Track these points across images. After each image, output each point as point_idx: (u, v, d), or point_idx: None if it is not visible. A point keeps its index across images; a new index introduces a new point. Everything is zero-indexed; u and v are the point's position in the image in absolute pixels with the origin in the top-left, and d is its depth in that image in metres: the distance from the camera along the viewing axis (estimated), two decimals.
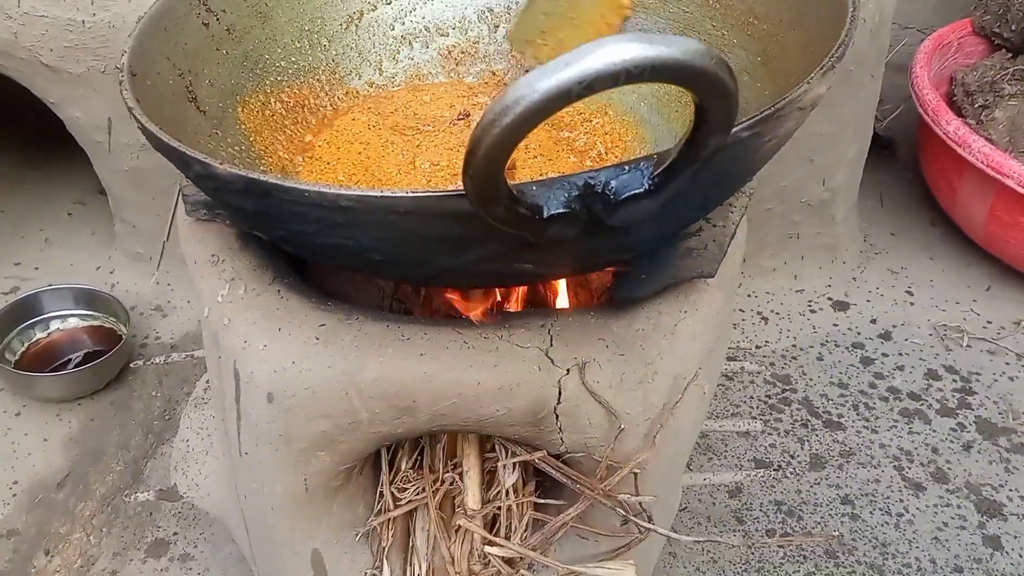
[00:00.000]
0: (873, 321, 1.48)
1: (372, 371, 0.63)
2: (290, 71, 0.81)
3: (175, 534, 1.13)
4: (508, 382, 0.63)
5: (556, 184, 0.47)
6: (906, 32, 2.01)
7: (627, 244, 0.56)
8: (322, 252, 0.58)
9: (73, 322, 1.38)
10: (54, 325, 1.37)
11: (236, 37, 0.77)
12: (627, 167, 0.47)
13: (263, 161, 0.73)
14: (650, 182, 0.47)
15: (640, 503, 0.68)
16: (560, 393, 0.63)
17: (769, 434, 1.27)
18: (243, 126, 0.74)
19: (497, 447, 0.73)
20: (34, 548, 1.11)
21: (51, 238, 1.57)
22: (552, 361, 0.63)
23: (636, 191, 0.47)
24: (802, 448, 1.26)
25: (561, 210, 0.47)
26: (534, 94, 0.38)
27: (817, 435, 1.28)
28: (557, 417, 0.64)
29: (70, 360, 1.32)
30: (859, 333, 1.45)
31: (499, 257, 0.53)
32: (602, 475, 0.65)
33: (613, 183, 0.47)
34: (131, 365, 1.24)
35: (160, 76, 0.66)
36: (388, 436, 0.67)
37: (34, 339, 1.35)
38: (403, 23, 0.88)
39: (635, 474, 0.66)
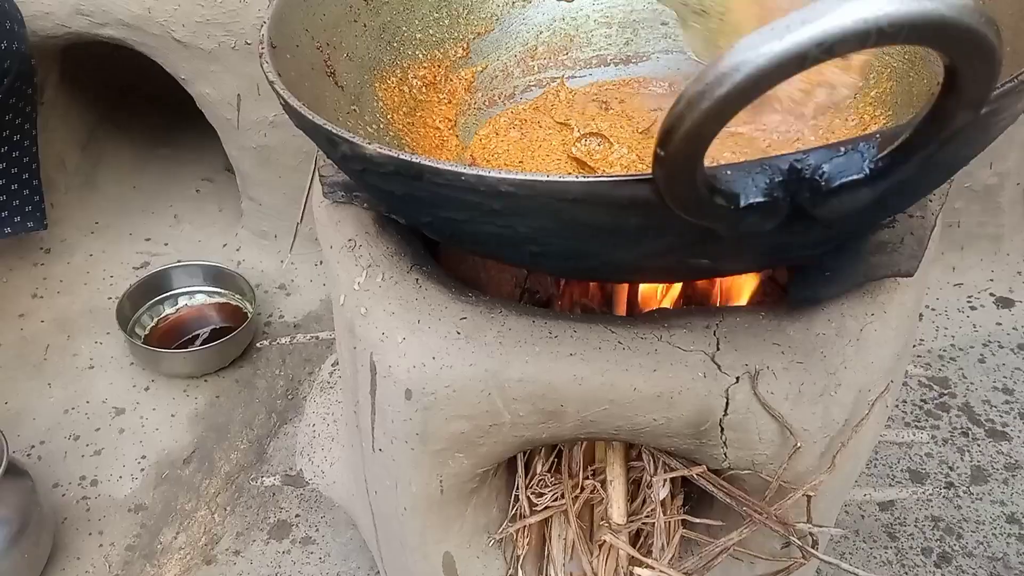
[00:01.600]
0: None
1: (517, 371, 0.57)
2: (428, 44, 0.76)
3: (297, 516, 1.12)
4: (668, 389, 0.56)
5: (756, 168, 0.40)
6: None
7: (825, 238, 0.48)
8: (472, 241, 0.53)
9: (200, 298, 1.39)
10: (182, 301, 1.38)
11: (374, 8, 0.72)
12: (843, 148, 0.40)
13: (402, 142, 0.69)
14: (872, 166, 0.39)
15: (809, 530, 0.61)
16: (728, 404, 0.56)
17: (925, 443, 1.16)
18: (381, 103, 0.69)
19: (644, 456, 0.67)
20: (160, 524, 1.11)
21: (180, 214, 1.59)
22: (719, 367, 0.56)
23: (853, 177, 0.39)
24: (962, 459, 1.15)
25: (761, 199, 0.40)
26: (759, 59, 0.31)
27: (979, 445, 1.16)
28: (722, 430, 0.57)
29: (197, 336, 1.33)
30: None
31: (674, 251, 0.46)
32: (771, 497, 0.58)
33: (825, 167, 0.40)
34: (257, 345, 1.23)
35: (299, 49, 0.62)
36: (531, 441, 0.61)
37: (163, 315, 1.37)
38: None
39: (808, 497, 0.59)
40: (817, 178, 0.40)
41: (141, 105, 1.65)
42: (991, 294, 1.38)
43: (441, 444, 0.62)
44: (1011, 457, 1.15)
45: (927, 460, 1.14)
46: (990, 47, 0.32)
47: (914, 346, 1.29)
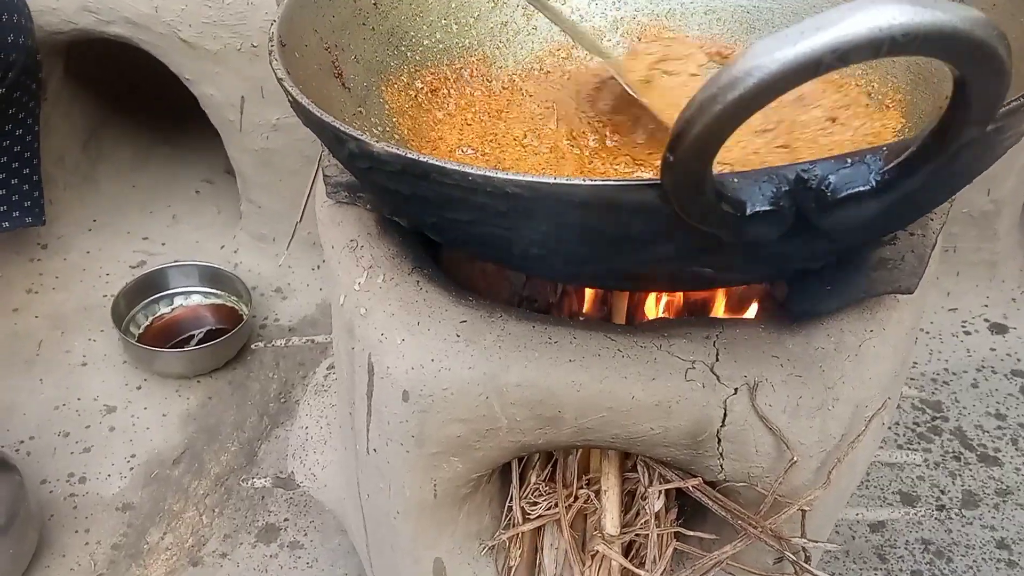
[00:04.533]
0: None
1: (515, 375, 0.57)
2: (435, 50, 0.77)
3: (286, 520, 1.12)
4: (666, 398, 0.56)
5: (763, 177, 0.40)
6: None
7: (826, 250, 0.49)
8: (476, 243, 0.53)
9: (196, 299, 1.38)
10: (178, 301, 1.38)
11: (383, 12, 0.72)
12: (850, 160, 0.40)
13: (409, 146, 0.69)
14: (878, 179, 0.39)
15: (803, 545, 0.60)
16: (725, 415, 0.56)
17: (917, 465, 1.16)
18: (387, 106, 0.69)
19: (639, 467, 0.67)
20: (147, 523, 1.11)
21: (178, 215, 1.59)
22: (718, 378, 0.56)
23: (859, 189, 0.40)
24: (953, 483, 1.15)
25: (766, 207, 0.40)
26: (772, 64, 0.31)
27: (971, 470, 1.16)
28: (719, 441, 0.57)
29: (192, 336, 1.33)
30: (1019, 360, 1.32)
31: (678, 258, 0.47)
32: (766, 511, 0.58)
33: (831, 178, 0.40)
34: (251, 347, 1.23)
35: (308, 48, 0.62)
36: (527, 446, 0.61)
37: (158, 314, 1.37)
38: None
39: (803, 512, 0.58)
40: (823, 188, 0.40)
41: (143, 104, 1.65)
42: (985, 320, 1.38)
43: (437, 447, 0.61)
44: (1002, 483, 1.15)
45: (919, 483, 1.14)
46: (1000, 61, 0.33)
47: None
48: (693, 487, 0.60)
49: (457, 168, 0.43)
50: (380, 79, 0.71)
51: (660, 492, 0.64)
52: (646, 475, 0.66)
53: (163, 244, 1.53)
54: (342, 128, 0.47)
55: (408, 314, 0.60)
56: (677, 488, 0.64)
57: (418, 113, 0.74)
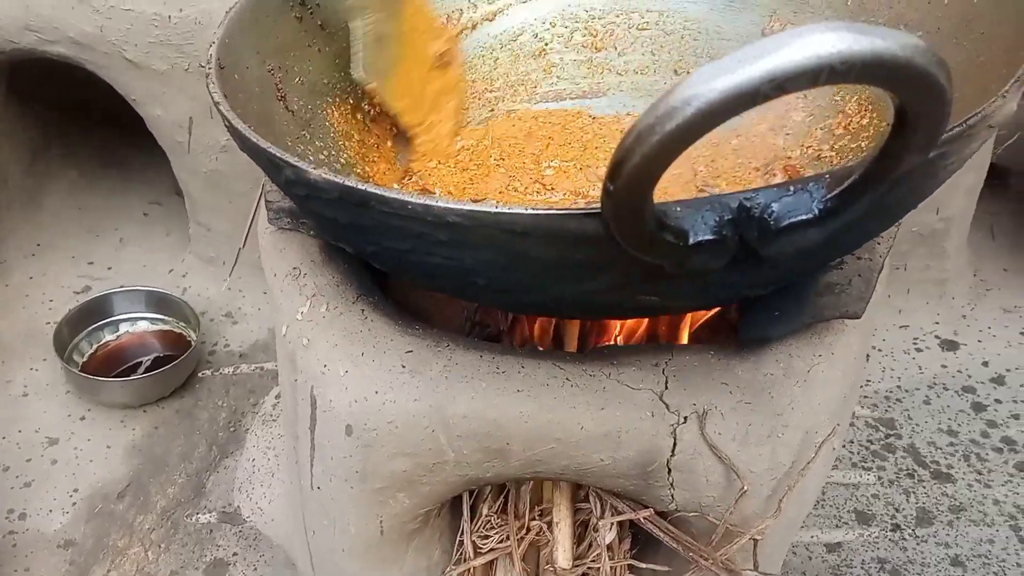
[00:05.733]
0: (985, 364, 1.35)
1: (462, 406, 0.56)
2: None
3: (235, 555, 1.08)
4: (615, 428, 0.55)
5: (705, 205, 0.40)
6: None
7: (771, 277, 0.48)
8: (417, 272, 0.52)
9: (143, 325, 1.34)
10: (124, 328, 1.34)
11: (329, 33, 0.71)
12: (792, 188, 0.39)
13: (354, 170, 0.67)
14: (821, 207, 0.39)
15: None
16: (675, 444, 0.55)
17: (872, 484, 1.16)
18: (333, 130, 0.68)
19: (592, 498, 0.66)
20: (91, 561, 1.06)
21: (125, 238, 1.55)
22: (667, 407, 0.55)
23: (802, 217, 0.39)
24: (907, 501, 1.15)
25: (709, 237, 0.39)
26: (710, 94, 0.30)
27: (924, 487, 1.17)
28: (669, 471, 0.56)
29: (139, 364, 1.29)
30: (970, 376, 1.34)
31: (622, 287, 0.46)
32: (717, 542, 0.57)
33: (774, 207, 0.39)
34: (200, 374, 1.19)
35: (249, 71, 0.61)
36: (475, 480, 0.60)
37: (103, 341, 1.32)
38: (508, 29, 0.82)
39: (755, 542, 0.58)
40: (766, 217, 0.39)
41: (89, 124, 1.61)
42: (936, 336, 1.40)
43: (382, 483, 0.60)
44: (955, 499, 1.16)
45: (873, 501, 1.15)
46: (940, 88, 0.32)
47: (861, 387, 1.30)
48: (644, 519, 0.59)
49: (396, 196, 0.42)
50: (327, 102, 0.69)
51: (612, 524, 0.62)
52: (598, 506, 0.65)
53: (109, 268, 1.48)
54: (278, 155, 0.46)
55: (352, 344, 0.58)
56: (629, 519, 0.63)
57: (367, 136, 0.73)
